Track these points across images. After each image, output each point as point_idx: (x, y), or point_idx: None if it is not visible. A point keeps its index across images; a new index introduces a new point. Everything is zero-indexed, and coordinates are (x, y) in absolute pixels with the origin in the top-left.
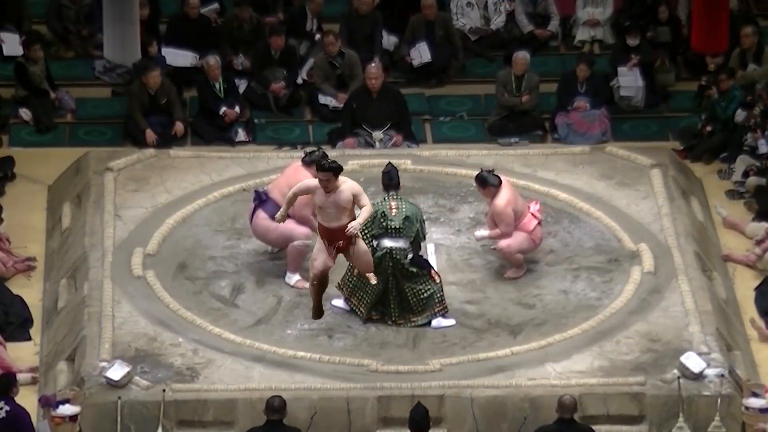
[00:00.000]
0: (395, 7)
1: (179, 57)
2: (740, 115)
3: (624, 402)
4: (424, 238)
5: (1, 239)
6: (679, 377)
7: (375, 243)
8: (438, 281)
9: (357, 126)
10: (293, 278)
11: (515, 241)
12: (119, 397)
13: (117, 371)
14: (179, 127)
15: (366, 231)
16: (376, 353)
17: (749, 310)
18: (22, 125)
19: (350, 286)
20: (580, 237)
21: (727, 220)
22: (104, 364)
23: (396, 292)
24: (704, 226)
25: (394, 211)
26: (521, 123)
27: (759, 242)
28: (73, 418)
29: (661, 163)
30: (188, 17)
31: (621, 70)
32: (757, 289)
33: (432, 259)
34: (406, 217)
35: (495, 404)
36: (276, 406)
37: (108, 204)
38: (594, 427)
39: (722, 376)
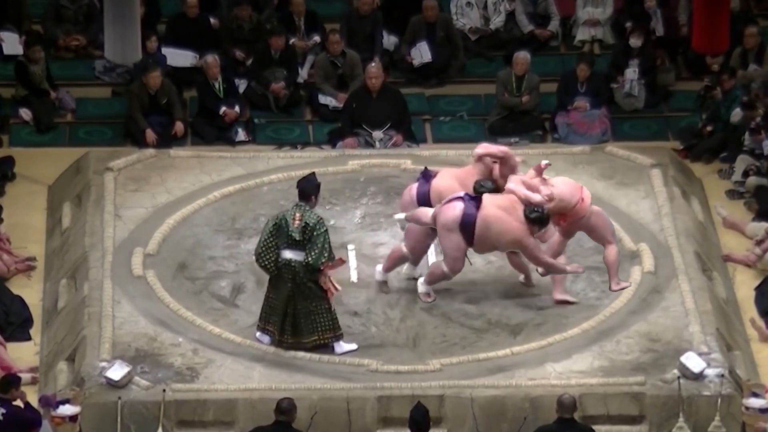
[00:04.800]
0: (396, 7)
1: (179, 57)
2: (737, 114)
3: (624, 402)
4: (315, 264)
5: (1, 239)
6: (679, 377)
7: (278, 253)
8: (329, 306)
9: (357, 126)
10: (378, 267)
11: None
12: (119, 397)
13: (117, 371)
14: (179, 127)
15: (274, 240)
16: (376, 353)
17: (749, 310)
18: (22, 125)
19: (264, 315)
20: (580, 237)
21: (727, 220)
22: (104, 364)
23: (292, 310)
24: (704, 226)
25: (296, 222)
26: (521, 123)
27: (759, 242)
28: (73, 418)
29: (661, 162)
30: (187, 17)
31: (628, 72)
32: (757, 289)
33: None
34: (305, 225)
35: (495, 404)
36: (283, 408)
37: (108, 204)
38: (594, 427)
39: (722, 376)
